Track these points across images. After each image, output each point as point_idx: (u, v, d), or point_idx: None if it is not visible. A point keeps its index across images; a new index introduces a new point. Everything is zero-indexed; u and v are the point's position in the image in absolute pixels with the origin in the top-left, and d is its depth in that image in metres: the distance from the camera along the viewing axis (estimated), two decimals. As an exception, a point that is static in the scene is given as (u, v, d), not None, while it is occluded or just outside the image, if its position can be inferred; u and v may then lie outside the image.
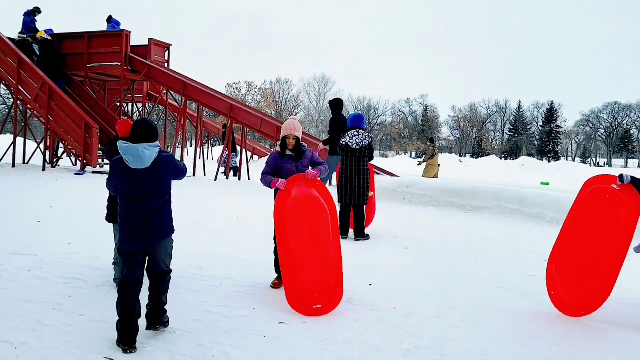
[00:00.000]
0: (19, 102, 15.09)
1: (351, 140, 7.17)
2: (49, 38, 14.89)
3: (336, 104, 10.52)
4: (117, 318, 3.57)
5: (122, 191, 3.66)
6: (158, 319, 3.78)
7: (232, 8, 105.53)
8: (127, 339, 3.52)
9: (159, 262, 3.76)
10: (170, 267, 3.88)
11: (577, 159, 71.72)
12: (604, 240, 4.21)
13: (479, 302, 4.73)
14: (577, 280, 4.29)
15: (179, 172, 3.84)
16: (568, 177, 23.40)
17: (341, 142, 7.28)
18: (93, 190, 9.97)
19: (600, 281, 4.21)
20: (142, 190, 3.61)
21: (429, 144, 16.81)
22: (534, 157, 57.31)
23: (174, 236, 3.84)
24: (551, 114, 75.38)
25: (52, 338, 3.63)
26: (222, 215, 8.31)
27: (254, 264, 5.57)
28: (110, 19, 16.20)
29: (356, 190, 7.17)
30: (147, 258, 3.74)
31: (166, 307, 3.86)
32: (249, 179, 14.36)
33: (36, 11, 15.92)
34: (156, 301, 3.77)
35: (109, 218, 4.85)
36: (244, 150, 16.26)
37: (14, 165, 14.43)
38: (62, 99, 13.45)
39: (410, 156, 64.18)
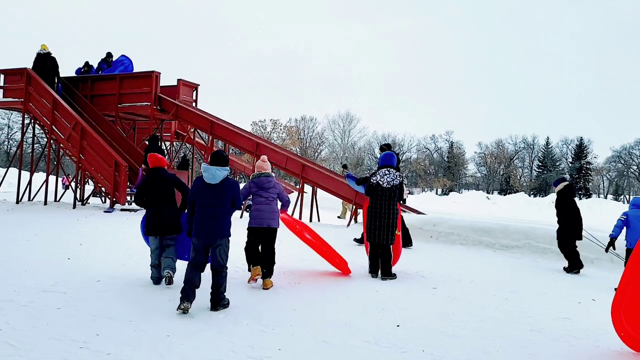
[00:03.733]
0: (52, 142, 15.56)
1: (382, 179, 7.17)
2: (43, 52, 15.48)
3: (154, 138, 13.40)
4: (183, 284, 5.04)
5: (199, 200, 5.15)
6: (218, 303, 5.14)
7: (255, 48, 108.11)
8: (185, 297, 4.97)
9: (216, 257, 5.18)
10: (226, 265, 5.25)
11: (610, 196, 70.03)
12: None
13: (511, 345, 4.58)
14: None
15: (237, 198, 5.28)
16: (600, 214, 22.89)
17: (372, 180, 7.25)
18: (122, 227, 10.11)
19: None
20: (211, 199, 5.12)
21: (342, 168, 16.00)
22: (563, 194, 56.14)
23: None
24: (581, 150, 74.40)
25: (78, 378, 3.62)
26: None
27: (278, 303, 5.52)
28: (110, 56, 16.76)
29: (385, 229, 7.11)
30: (210, 252, 5.19)
31: (225, 294, 5.26)
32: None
33: (84, 66, 16.99)
34: (215, 290, 5.15)
35: (137, 201, 6.26)
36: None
37: (45, 203, 14.78)
38: (93, 138, 13.80)
39: (436, 193, 63.71)
